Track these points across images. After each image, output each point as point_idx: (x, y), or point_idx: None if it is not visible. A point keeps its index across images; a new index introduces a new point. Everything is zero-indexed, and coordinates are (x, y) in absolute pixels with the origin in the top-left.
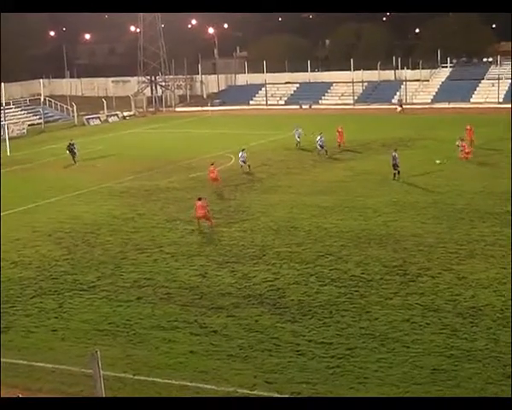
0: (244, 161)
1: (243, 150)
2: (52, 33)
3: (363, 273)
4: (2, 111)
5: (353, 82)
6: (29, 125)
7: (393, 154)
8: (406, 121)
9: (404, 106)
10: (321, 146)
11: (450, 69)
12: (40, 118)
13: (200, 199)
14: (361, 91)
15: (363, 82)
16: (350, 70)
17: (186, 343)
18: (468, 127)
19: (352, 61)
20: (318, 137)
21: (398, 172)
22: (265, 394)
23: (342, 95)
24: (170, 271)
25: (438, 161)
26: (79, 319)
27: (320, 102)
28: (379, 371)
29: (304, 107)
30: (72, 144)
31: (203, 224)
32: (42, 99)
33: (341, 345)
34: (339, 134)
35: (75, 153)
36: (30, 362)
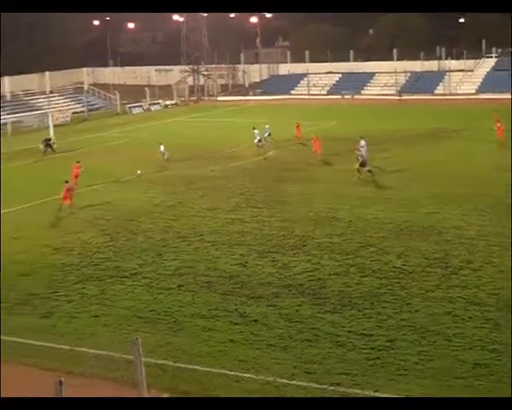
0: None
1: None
2: (96, 22)
3: (404, 265)
4: (46, 99)
5: (396, 72)
6: (72, 113)
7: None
8: (449, 112)
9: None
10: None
11: (495, 59)
12: (83, 106)
13: (67, 182)
14: (404, 81)
15: (405, 72)
16: (392, 60)
17: (226, 332)
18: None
19: (394, 50)
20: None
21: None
22: (304, 384)
23: (385, 85)
24: (210, 259)
25: None
26: (121, 305)
27: (362, 92)
28: (419, 363)
29: (346, 97)
30: (49, 139)
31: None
32: (85, 87)
33: (381, 337)
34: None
35: (52, 148)
36: (72, 347)
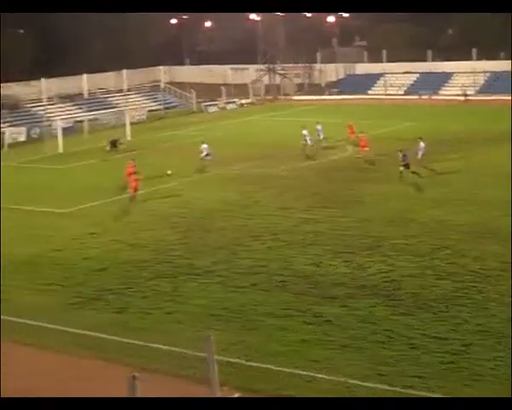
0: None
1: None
2: (173, 21)
3: (480, 268)
4: (122, 97)
5: (475, 72)
6: (149, 111)
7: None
8: None
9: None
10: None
11: None
12: (160, 104)
13: (135, 173)
14: (482, 82)
15: (485, 72)
16: (472, 60)
17: (299, 332)
18: None
19: (474, 50)
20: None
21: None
22: (378, 386)
23: (463, 85)
24: (284, 259)
25: None
26: (194, 302)
27: (440, 92)
28: (495, 369)
29: (423, 97)
30: (116, 140)
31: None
32: (162, 86)
33: (456, 341)
34: None
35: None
36: (146, 343)
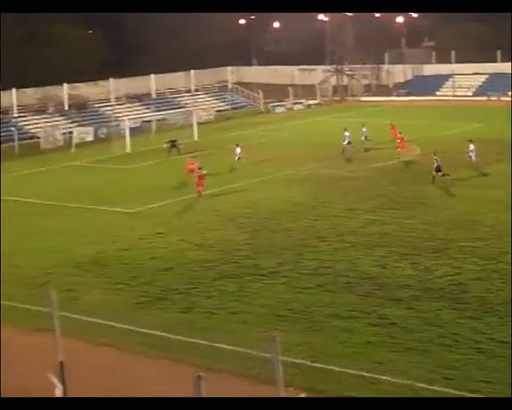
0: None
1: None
2: (241, 21)
3: None
4: (190, 97)
5: None
6: (216, 111)
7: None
8: None
9: None
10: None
11: None
12: (227, 104)
13: (200, 168)
14: None
15: None
16: None
17: (364, 333)
18: None
19: None
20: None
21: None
22: (444, 389)
23: None
24: (350, 260)
25: None
26: (259, 303)
27: (509, 93)
28: None
29: (492, 98)
30: (174, 141)
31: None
32: (229, 86)
33: None
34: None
35: (178, 148)
36: (211, 343)
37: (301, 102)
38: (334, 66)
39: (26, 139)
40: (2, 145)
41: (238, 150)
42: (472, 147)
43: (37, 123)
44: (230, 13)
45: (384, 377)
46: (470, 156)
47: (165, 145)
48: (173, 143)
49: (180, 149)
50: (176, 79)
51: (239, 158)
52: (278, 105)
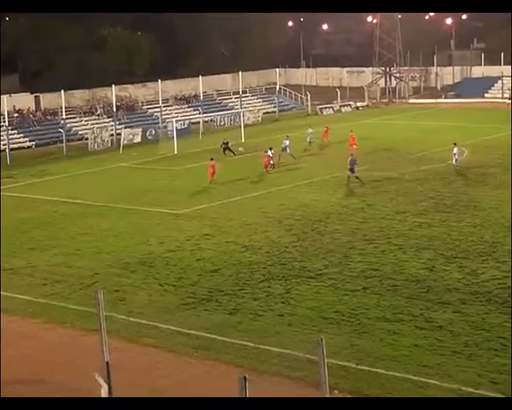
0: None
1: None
2: (290, 23)
3: None
4: (238, 99)
5: None
6: (264, 113)
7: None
8: None
9: None
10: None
11: None
12: (275, 106)
13: (212, 159)
14: None
15: None
16: None
17: (410, 336)
18: None
19: None
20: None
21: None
22: (490, 394)
23: None
24: (397, 263)
25: None
26: (305, 305)
27: None
28: None
29: None
30: (227, 143)
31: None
32: (277, 88)
33: None
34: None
35: (231, 150)
36: (257, 344)
37: (349, 105)
38: (383, 68)
39: (74, 141)
40: (51, 146)
41: (287, 142)
42: (456, 150)
43: (85, 124)
44: (279, 14)
45: (431, 381)
46: (455, 158)
47: (220, 148)
48: (226, 146)
49: (233, 151)
50: (224, 81)
51: (285, 151)
52: (326, 107)
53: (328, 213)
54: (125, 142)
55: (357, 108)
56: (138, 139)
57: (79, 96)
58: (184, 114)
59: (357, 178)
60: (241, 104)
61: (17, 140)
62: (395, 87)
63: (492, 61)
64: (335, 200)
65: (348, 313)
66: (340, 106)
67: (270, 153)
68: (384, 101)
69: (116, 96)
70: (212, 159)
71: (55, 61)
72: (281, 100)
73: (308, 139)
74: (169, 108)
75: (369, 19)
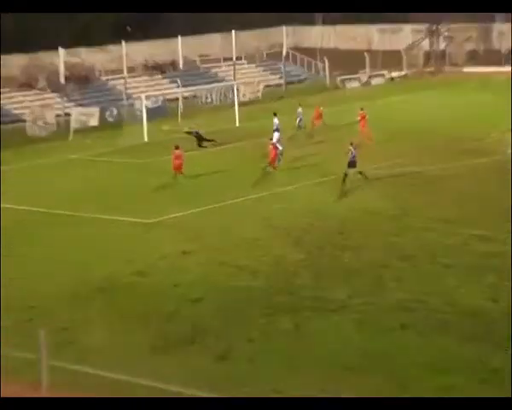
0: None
1: None
2: None
3: None
4: (230, 67)
5: None
6: (266, 86)
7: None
8: None
9: None
10: None
11: None
12: (280, 77)
13: (177, 148)
14: None
15: None
16: None
17: (470, 393)
18: None
19: None
20: None
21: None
22: None
23: None
24: (446, 290)
25: None
26: (322, 348)
27: None
28: None
29: None
30: (198, 133)
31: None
32: (283, 53)
33: None
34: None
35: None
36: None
37: (381, 75)
38: (427, 24)
39: (6, 123)
40: None
41: (276, 121)
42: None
43: (22, 101)
44: None
45: None
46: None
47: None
48: (198, 136)
49: (209, 139)
50: (211, 43)
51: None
52: (350, 78)
53: (351, 222)
54: (77, 125)
55: (393, 79)
56: (95, 122)
57: (13, 62)
58: (157, 87)
59: (360, 173)
60: (234, 74)
61: None
62: (444, 51)
63: None
64: (359, 204)
65: (380, 359)
66: (370, 77)
67: (276, 141)
68: (429, 69)
69: (64, 63)
70: (177, 147)
71: None
72: (288, 69)
73: (297, 122)
74: (136, 80)
75: None
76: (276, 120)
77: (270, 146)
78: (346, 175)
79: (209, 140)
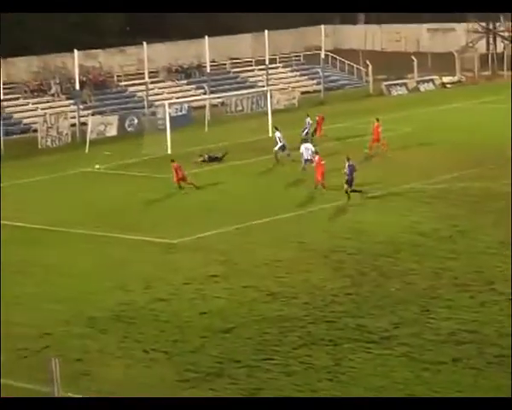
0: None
1: None
2: None
3: None
4: (263, 72)
5: None
6: (302, 92)
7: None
8: None
9: None
10: None
11: None
12: (318, 83)
13: (173, 161)
14: None
15: None
16: None
17: None
18: None
19: None
20: None
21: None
22: None
23: None
24: (505, 321)
25: None
26: (365, 384)
27: None
28: None
29: None
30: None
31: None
32: (322, 55)
33: None
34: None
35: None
36: None
37: (431, 80)
38: (483, 24)
39: (16, 134)
40: None
41: (278, 135)
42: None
43: (33, 109)
44: None
45: None
46: None
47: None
48: (214, 159)
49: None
50: (241, 45)
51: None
52: (396, 84)
53: (399, 245)
54: (94, 135)
55: (444, 84)
56: (113, 132)
57: (23, 66)
58: (182, 93)
59: (355, 191)
60: (267, 80)
61: None
62: (503, 52)
63: None
64: (409, 224)
65: (430, 396)
66: (418, 82)
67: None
68: (485, 73)
69: (80, 66)
70: (172, 160)
71: None
72: (327, 73)
73: (304, 132)
74: (159, 86)
75: None
76: (278, 134)
77: (317, 161)
78: (347, 192)
79: (222, 156)
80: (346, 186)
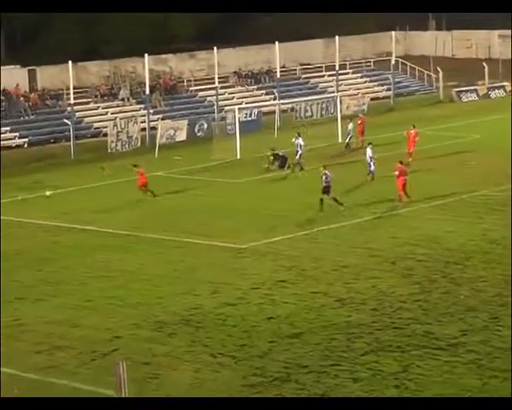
0: None
1: None
2: None
3: None
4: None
5: None
6: (372, 99)
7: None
8: None
9: None
10: None
11: None
12: (388, 89)
13: (135, 166)
14: None
15: None
16: None
17: None
18: None
19: None
20: None
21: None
22: None
23: None
24: None
25: None
26: (432, 391)
27: None
28: None
29: None
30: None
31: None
32: (392, 61)
33: None
34: None
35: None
36: None
37: (503, 86)
38: None
39: (86, 137)
40: (51, 145)
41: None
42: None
43: (103, 113)
44: None
45: None
46: None
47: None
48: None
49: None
50: (312, 50)
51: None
52: (467, 90)
53: (469, 252)
54: (163, 140)
55: None
56: (183, 136)
57: (94, 70)
58: (252, 98)
59: (335, 201)
60: (337, 85)
61: (1, 135)
62: None
63: None
64: (480, 232)
65: None
66: (489, 89)
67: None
68: None
69: (150, 71)
70: (135, 165)
71: (54, 18)
72: (398, 79)
73: (347, 139)
74: (229, 91)
75: None
76: (300, 141)
77: (399, 168)
78: (321, 200)
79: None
80: (323, 195)
